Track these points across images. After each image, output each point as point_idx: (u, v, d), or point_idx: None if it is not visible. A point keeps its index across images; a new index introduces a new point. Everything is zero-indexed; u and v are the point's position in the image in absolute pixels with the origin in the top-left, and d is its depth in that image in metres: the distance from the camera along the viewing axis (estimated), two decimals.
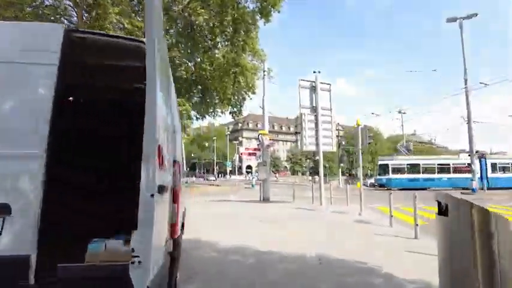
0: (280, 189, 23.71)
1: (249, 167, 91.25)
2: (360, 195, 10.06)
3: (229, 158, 79.30)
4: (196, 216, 9.42)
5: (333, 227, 7.80)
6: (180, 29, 20.95)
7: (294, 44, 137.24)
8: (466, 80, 21.86)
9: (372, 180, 35.04)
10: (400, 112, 42.40)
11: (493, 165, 27.13)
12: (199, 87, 24.00)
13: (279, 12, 21.19)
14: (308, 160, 71.75)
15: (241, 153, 21.96)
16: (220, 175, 73.70)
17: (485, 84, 20.25)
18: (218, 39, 20.24)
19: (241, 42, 21.07)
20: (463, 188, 24.30)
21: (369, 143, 10.74)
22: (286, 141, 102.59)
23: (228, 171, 64.51)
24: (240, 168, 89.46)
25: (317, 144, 13.06)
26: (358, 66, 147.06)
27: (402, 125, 43.39)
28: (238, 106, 27.96)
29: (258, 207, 12.21)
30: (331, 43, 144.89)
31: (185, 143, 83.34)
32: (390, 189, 25.76)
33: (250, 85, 26.32)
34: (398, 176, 27.39)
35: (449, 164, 28.11)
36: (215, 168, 69.81)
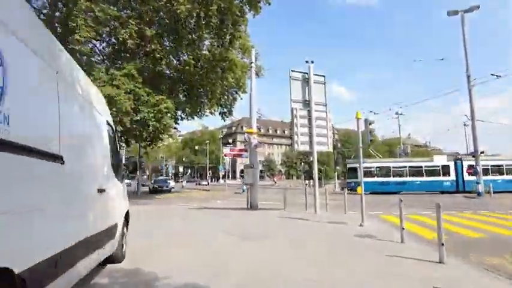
0: (276, 195, 22.11)
1: (243, 171, 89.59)
2: (362, 202, 8.43)
3: (221, 162, 77.50)
4: (162, 229, 7.74)
5: (331, 245, 6.16)
6: (164, 22, 19.37)
7: (287, 48, 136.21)
8: (468, 77, 20.45)
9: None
10: (397, 114, 41.00)
11: (470, 167, 24.90)
12: (185, 85, 22.43)
13: (269, 4, 19.80)
14: (303, 163, 70.16)
15: (224, 154, 20.02)
16: (213, 179, 71.86)
17: (497, 75, 18.84)
18: (203, 32, 18.63)
19: (229, 36, 19.54)
20: (468, 192, 22.81)
21: (371, 141, 9.16)
22: (281, 144, 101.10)
23: (221, 176, 62.55)
24: (234, 172, 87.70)
25: (311, 143, 11.46)
26: (352, 69, 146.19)
27: (399, 126, 41.98)
28: (229, 107, 26.42)
29: (242, 217, 10.53)
30: (326, 46, 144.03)
31: (177, 147, 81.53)
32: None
33: (241, 84, 24.82)
34: (368, 179, 25.83)
35: (421, 167, 26.65)
36: (208, 173, 67.83)
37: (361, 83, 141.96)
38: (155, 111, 17.74)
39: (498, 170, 25.28)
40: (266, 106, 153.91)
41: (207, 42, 20.30)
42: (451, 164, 26.11)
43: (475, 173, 20.71)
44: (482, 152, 21.17)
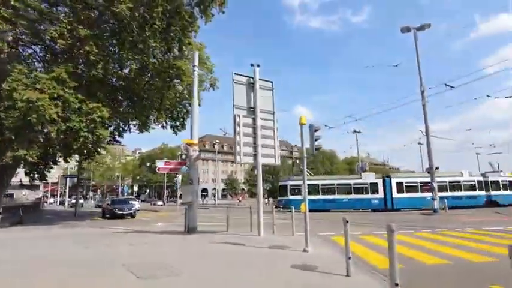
0: (236, 214, 20.35)
1: (204, 190, 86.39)
2: (305, 223, 7.04)
3: (184, 180, 74.36)
4: (42, 261, 5.78)
5: (256, 283, 4.62)
6: (103, 22, 17.56)
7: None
8: (422, 92, 20.44)
9: None
10: (355, 131, 41.30)
11: (399, 185, 25.32)
12: (129, 94, 20.45)
13: (223, 12, 18.76)
14: (265, 182, 68.90)
15: (158, 169, 17.63)
16: (172, 199, 68.30)
17: (451, 86, 18.84)
18: (148, 35, 17.01)
19: (178, 42, 18.07)
20: (426, 209, 22.50)
21: (317, 149, 7.91)
22: (244, 163, 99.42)
23: (178, 195, 59.25)
24: None
25: (255, 155, 10.05)
26: (313, 92, 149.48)
27: (357, 141, 42.40)
28: (181, 120, 24.62)
29: (167, 244, 8.73)
30: (289, 70, 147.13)
31: (134, 165, 77.31)
32: (290, 211, 23.10)
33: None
34: (297, 197, 25.06)
35: (349, 184, 26.29)
36: (165, 192, 64.19)
37: (324, 103, 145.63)
38: (88, 121, 15.62)
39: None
40: (229, 124, 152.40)
41: (153, 48, 18.62)
42: (379, 182, 25.63)
43: (431, 189, 20.36)
44: (437, 168, 20.96)
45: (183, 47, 18.67)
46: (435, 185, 20.11)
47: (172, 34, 17.54)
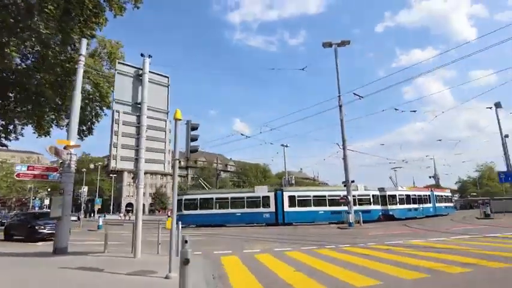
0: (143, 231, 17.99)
1: (129, 204, 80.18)
2: (170, 243, 5.67)
3: (107, 194, 68.84)
4: None
5: None
6: None
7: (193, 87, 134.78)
8: (340, 106, 20.78)
9: None
10: (282, 145, 41.67)
11: (291, 198, 24.99)
12: (16, 89, 17.39)
13: (138, 8, 17.00)
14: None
15: (17, 175, 13.37)
16: (91, 214, 61.92)
17: (360, 96, 19.28)
18: (37, 19, 14.54)
19: (79, 34, 15.80)
20: (338, 222, 22.60)
21: (193, 151, 6.66)
22: (178, 176, 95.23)
23: (96, 210, 53.94)
24: (119, 205, 77.82)
25: (137, 160, 8.42)
26: (248, 108, 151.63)
27: (284, 155, 42.75)
28: (88, 123, 21.80)
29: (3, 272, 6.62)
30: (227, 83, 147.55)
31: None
32: (185, 226, 21.98)
33: (106, 98, 20.90)
34: (192, 211, 24.48)
35: (243, 198, 25.62)
36: (83, 206, 57.81)
37: (262, 119, 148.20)
38: None
39: (321, 200, 25.34)
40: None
41: (45, 36, 16.03)
42: (271, 195, 25.12)
43: (347, 203, 20.48)
44: (353, 181, 21.27)
45: (83, 38, 16.45)
46: (351, 198, 20.27)
47: (71, 23, 15.27)
